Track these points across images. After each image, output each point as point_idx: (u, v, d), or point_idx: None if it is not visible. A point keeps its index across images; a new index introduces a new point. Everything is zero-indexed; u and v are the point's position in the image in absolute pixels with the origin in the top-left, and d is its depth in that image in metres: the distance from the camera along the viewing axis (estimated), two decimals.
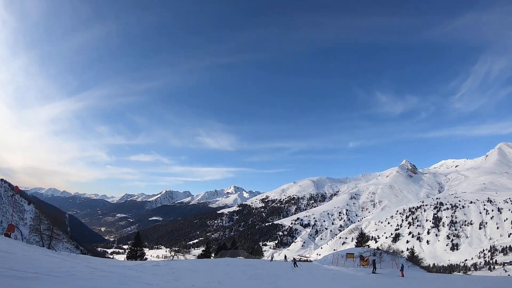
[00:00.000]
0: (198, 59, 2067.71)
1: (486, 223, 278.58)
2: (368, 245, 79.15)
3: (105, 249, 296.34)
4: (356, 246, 79.98)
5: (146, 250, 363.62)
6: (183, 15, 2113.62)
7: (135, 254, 66.73)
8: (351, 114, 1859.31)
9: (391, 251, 63.25)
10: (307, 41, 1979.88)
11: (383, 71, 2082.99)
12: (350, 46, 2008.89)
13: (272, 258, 67.85)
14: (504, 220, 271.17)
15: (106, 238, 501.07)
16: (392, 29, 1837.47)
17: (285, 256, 69.29)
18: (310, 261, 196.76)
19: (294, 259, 55.45)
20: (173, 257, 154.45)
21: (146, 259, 66.47)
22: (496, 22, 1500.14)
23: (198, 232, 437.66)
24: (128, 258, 67.66)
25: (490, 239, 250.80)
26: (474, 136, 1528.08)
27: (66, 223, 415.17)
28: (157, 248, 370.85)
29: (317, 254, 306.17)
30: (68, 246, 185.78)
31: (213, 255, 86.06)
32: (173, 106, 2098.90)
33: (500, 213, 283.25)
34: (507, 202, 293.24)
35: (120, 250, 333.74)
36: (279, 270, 40.01)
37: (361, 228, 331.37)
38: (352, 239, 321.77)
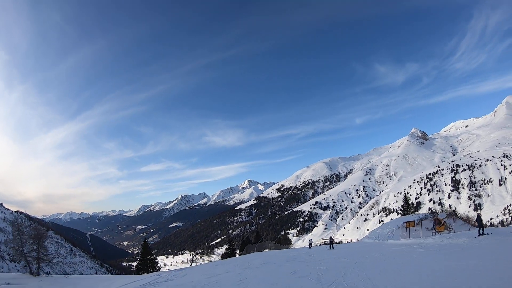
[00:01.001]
0: (195, 59, 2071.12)
1: (506, 178, 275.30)
2: (416, 212, 76.27)
3: (130, 263, 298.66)
4: (403, 214, 74.56)
5: (170, 257, 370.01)
6: (174, 17, 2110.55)
7: (146, 265, 60.89)
8: (354, 90, 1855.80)
9: (447, 212, 58.31)
10: (301, 24, 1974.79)
11: (379, 42, 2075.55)
12: (343, 22, 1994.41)
13: (310, 244, 62.67)
14: None
15: (130, 252, 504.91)
16: None
17: (310, 242, 64.52)
18: (352, 241, 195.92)
19: (331, 238, 52.98)
20: (192, 262, 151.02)
21: (159, 269, 62.44)
22: None
23: (219, 232, 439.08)
24: (138, 270, 61.61)
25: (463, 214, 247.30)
26: (479, 94, 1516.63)
27: (88, 243, 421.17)
28: (181, 253, 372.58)
29: (342, 234, 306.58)
30: (92, 265, 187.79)
31: (238, 252, 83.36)
32: (176, 111, 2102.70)
33: None
34: None
35: None
36: (336, 259, 27.89)
37: (383, 201, 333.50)
38: (374, 214, 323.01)
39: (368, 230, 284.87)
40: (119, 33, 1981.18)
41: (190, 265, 63.82)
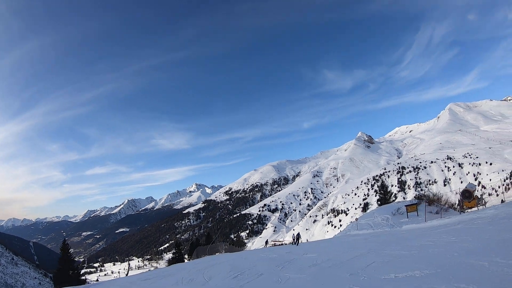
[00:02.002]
0: (145, 59, 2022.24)
1: (450, 179, 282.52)
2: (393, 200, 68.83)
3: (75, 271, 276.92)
4: (382, 203, 65.59)
5: (118, 264, 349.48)
6: (123, 15, 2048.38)
7: (67, 275, 46.99)
8: (302, 95, 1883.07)
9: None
10: (252, 27, 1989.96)
11: (328, 49, 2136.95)
12: (293, 27, 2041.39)
13: (266, 243, 54.57)
14: (467, 174, 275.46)
15: (76, 259, 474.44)
16: (332, 6, 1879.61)
17: (266, 242, 56.48)
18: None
19: (299, 234, 44.63)
20: (128, 271, 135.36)
21: (85, 281, 47.15)
22: None
23: (167, 236, 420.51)
24: (57, 283, 48.17)
25: (456, 193, 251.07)
26: (423, 101, 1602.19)
27: (32, 251, 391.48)
28: (129, 260, 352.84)
29: (291, 236, 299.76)
30: (36, 275, 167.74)
31: (186, 256, 72.76)
32: (123, 112, 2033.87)
33: (461, 168, 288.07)
34: (466, 157, 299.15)
35: (92, 269, 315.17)
36: (328, 254, 20.93)
37: (331, 203, 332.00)
38: (322, 215, 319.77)
39: (325, 231, 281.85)
40: (66, 29, 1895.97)
41: (126, 275, 50.29)
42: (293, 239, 43.26)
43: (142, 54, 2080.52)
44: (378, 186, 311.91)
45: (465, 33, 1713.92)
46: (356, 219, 49.94)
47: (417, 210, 40.08)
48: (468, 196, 33.17)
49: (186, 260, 62.72)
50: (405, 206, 42.42)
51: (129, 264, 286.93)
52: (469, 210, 31.83)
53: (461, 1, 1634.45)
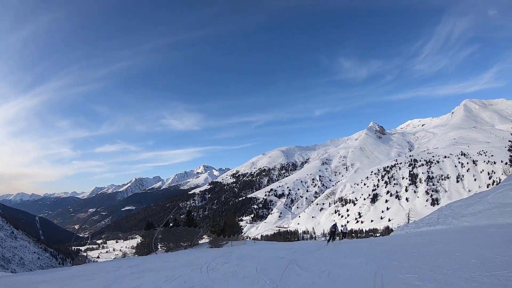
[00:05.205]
0: (161, 36, 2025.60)
1: (463, 176, 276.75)
2: None
3: (78, 247, 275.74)
4: None
5: (120, 241, 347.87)
6: None
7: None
8: (316, 82, 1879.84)
9: None
10: (269, 9, 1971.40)
11: (346, 37, 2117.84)
12: (311, 13, 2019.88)
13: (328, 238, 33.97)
14: (481, 172, 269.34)
15: (81, 235, 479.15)
16: None
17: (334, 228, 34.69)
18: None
19: (335, 226, 34.85)
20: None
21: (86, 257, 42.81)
22: None
23: (171, 216, 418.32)
24: None
25: (469, 191, 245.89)
26: (438, 96, 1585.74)
27: (38, 226, 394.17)
28: (132, 238, 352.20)
29: (297, 223, 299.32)
30: (35, 250, 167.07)
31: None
32: (135, 90, 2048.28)
33: (476, 165, 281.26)
34: (481, 154, 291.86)
35: (94, 246, 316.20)
36: None
37: (339, 191, 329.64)
38: (330, 204, 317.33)
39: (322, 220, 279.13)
40: (81, 2, 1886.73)
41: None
42: (330, 233, 34.39)
43: (158, 31, 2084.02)
44: (388, 178, 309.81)
45: (486, 30, 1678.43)
46: None
47: None
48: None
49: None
50: None
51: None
52: None
53: None
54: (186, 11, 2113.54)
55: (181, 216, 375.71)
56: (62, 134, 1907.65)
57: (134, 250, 56.03)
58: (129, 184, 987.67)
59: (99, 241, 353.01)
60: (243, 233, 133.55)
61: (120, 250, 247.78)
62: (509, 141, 54.96)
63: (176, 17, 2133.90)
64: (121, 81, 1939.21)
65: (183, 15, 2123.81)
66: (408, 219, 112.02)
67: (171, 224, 59.49)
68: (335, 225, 34.98)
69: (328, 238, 35.12)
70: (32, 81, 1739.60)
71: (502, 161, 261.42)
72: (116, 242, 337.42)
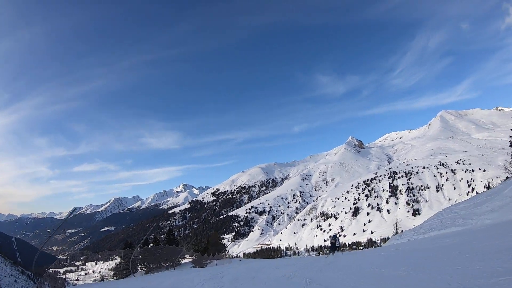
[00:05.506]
0: (137, 54, 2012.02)
1: (443, 185, 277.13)
2: None
3: (57, 269, 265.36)
4: None
5: (100, 263, 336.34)
6: (119, 8, 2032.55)
7: None
8: (294, 98, 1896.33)
9: None
10: (245, 28, 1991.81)
11: (322, 53, 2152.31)
12: (288, 30, 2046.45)
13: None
14: (460, 180, 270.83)
15: (59, 257, 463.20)
16: (330, 9, 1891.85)
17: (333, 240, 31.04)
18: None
19: (335, 237, 32.17)
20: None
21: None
22: None
23: (151, 236, 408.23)
24: None
25: (449, 199, 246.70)
26: (414, 109, 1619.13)
27: (14, 247, 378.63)
28: (111, 259, 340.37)
29: (279, 239, 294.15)
30: (12, 272, 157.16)
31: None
32: (112, 108, 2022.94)
33: (454, 174, 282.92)
34: (459, 163, 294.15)
35: (73, 268, 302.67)
36: None
37: (320, 206, 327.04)
38: (311, 219, 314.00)
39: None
40: (57, 21, 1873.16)
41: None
42: (331, 245, 32.14)
43: (134, 49, 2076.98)
44: (369, 191, 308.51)
45: (460, 43, 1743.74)
46: None
47: None
48: None
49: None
50: None
51: None
52: None
53: (457, 11, 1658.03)
54: (163, 29, 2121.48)
55: (162, 236, 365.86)
56: (39, 153, 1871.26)
57: (112, 272, 50.08)
58: (108, 204, 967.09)
59: (78, 263, 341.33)
60: (226, 251, 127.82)
61: (100, 272, 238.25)
62: (510, 136, 55.13)
63: (153, 35, 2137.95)
64: (98, 99, 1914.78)
65: (160, 33, 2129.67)
66: (396, 229, 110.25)
67: (151, 244, 53.94)
68: (335, 237, 32.41)
69: (328, 250, 34.76)
70: (8, 99, 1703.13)
71: (480, 169, 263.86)
72: (96, 263, 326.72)
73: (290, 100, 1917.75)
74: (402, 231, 46.95)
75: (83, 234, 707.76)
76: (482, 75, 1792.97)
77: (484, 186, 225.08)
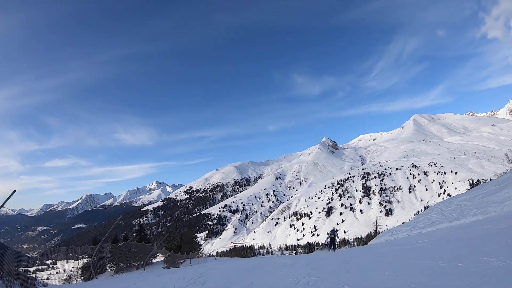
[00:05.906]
0: (116, 47, 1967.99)
1: (415, 186, 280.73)
2: None
3: (27, 268, 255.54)
4: None
5: (71, 261, 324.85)
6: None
7: None
8: (269, 97, 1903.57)
9: None
10: (225, 26, 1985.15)
11: (300, 53, 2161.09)
12: (266, 29, 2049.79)
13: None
14: (432, 182, 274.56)
15: (30, 255, 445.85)
16: (308, 11, 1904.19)
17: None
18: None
19: (334, 231, 31.03)
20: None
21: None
22: (410, 4, 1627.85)
23: (123, 234, 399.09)
24: None
25: (421, 200, 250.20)
26: (388, 111, 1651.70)
27: None
28: (82, 258, 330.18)
29: (252, 238, 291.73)
30: None
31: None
32: (87, 102, 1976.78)
33: (427, 176, 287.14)
34: (431, 166, 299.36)
35: (43, 267, 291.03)
36: None
37: (294, 205, 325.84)
38: (285, 218, 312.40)
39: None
40: (34, 10, 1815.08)
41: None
42: (328, 240, 30.40)
43: (112, 43, 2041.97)
44: (342, 191, 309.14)
45: (435, 49, 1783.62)
46: None
47: None
48: None
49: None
50: None
51: None
52: None
53: (434, 18, 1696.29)
54: (142, 23, 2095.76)
55: (134, 234, 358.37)
56: (10, 146, 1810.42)
57: (80, 272, 43.99)
58: (79, 201, 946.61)
59: (48, 262, 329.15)
60: (201, 249, 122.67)
61: (71, 271, 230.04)
62: None
63: (131, 29, 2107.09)
64: (73, 93, 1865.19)
65: (139, 27, 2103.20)
66: (376, 227, 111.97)
67: (121, 244, 48.32)
68: (333, 230, 31.08)
69: (327, 244, 31.20)
70: None
71: (451, 171, 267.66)
72: (67, 262, 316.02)
73: (266, 99, 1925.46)
74: (403, 223, 44.66)
75: (54, 232, 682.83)
76: (456, 81, 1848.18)
77: (455, 188, 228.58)
